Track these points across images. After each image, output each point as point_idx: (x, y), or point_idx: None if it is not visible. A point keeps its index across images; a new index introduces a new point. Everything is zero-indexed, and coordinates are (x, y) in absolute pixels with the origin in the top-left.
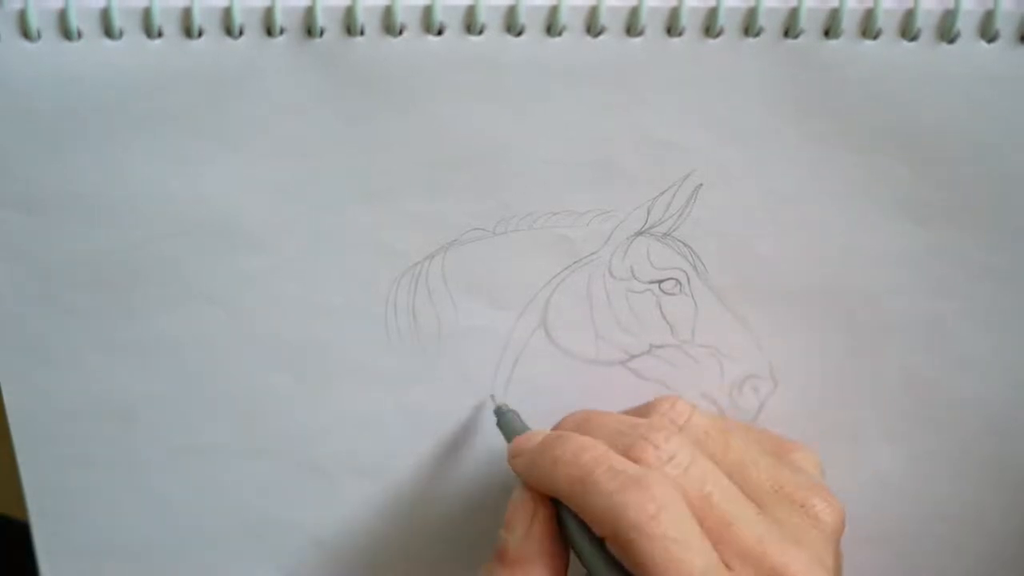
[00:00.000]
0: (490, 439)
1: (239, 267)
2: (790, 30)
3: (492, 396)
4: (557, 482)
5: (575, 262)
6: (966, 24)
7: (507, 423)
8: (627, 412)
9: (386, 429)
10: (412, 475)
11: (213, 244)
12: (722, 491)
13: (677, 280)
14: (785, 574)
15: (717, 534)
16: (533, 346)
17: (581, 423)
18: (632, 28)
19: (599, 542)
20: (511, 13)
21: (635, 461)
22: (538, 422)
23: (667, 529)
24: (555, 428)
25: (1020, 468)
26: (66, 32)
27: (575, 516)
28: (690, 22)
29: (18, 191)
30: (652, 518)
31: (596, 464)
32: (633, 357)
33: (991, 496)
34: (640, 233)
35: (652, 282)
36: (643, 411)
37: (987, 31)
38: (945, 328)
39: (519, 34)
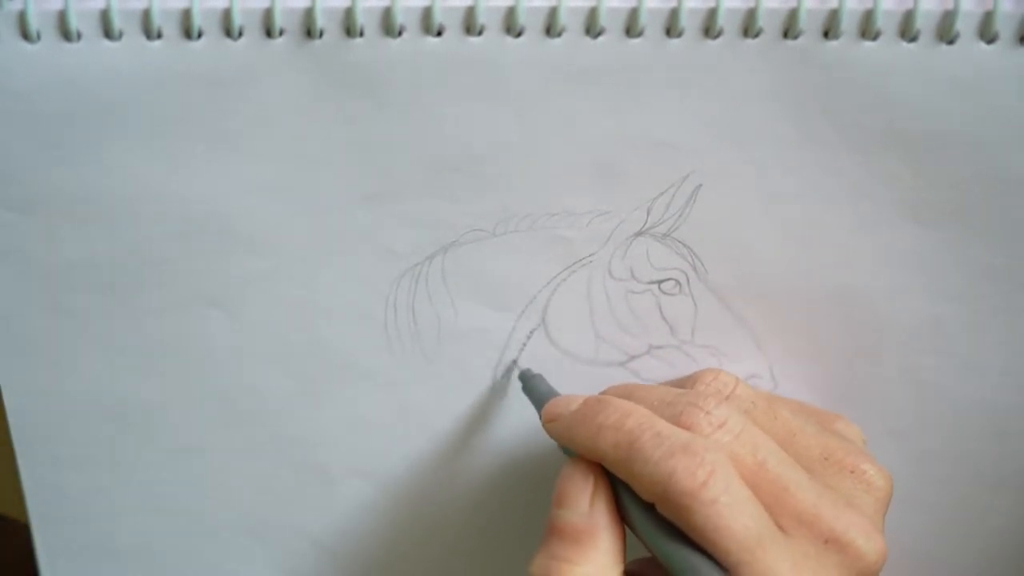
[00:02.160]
0: (490, 440)
1: (239, 268)
2: (789, 31)
3: (515, 361)
4: (601, 448)
5: (575, 263)
6: (965, 25)
7: (534, 387)
8: (668, 384)
9: (385, 430)
10: (411, 476)
11: (213, 245)
12: (775, 456)
13: (677, 280)
14: (844, 536)
15: (772, 499)
16: (533, 347)
17: (623, 394)
18: (631, 29)
19: (649, 507)
20: (510, 14)
21: (686, 428)
22: (538, 425)
23: (718, 494)
24: (569, 395)
25: (1020, 469)
26: (66, 33)
27: (623, 484)
28: (689, 23)
29: (18, 192)
30: (702, 484)
31: (641, 430)
32: (633, 358)
33: (991, 497)
34: (640, 234)
35: (652, 282)
36: (685, 383)
37: (986, 32)
38: (945, 329)
39: (518, 35)
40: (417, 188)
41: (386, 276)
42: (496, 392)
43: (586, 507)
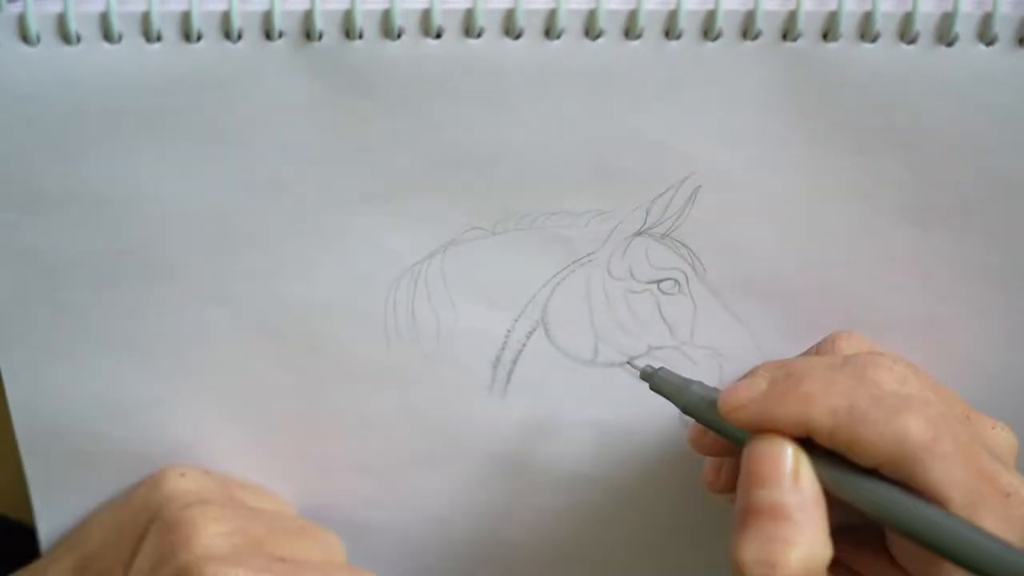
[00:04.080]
0: (489, 440)
1: (239, 268)
2: (788, 33)
3: (629, 362)
4: (816, 418)
5: (574, 262)
6: (964, 27)
7: (664, 381)
8: (806, 353)
9: (385, 429)
10: (411, 476)
11: (213, 246)
12: (951, 412)
13: (676, 280)
14: (1017, 494)
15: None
16: (532, 347)
17: (774, 367)
18: (630, 31)
19: (865, 472)
20: (509, 16)
21: (873, 384)
22: (537, 424)
23: (948, 447)
24: (747, 379)
25: (1019, 469)
26: (65, 36)
27: (823, 455)
28: (688, 25)
29: (19, 193)
30: (935, 438)
31: (856, 394)
32: (632, 358)
33: None
34: (639, 233)
35: (651, 282)
36: (822, 347)
37: (985, 34)
38: (944, 329)
39: (517, 37)
40: (416, 188)
41: (386, 276)
42: (495, 391)
43: (791, 483)
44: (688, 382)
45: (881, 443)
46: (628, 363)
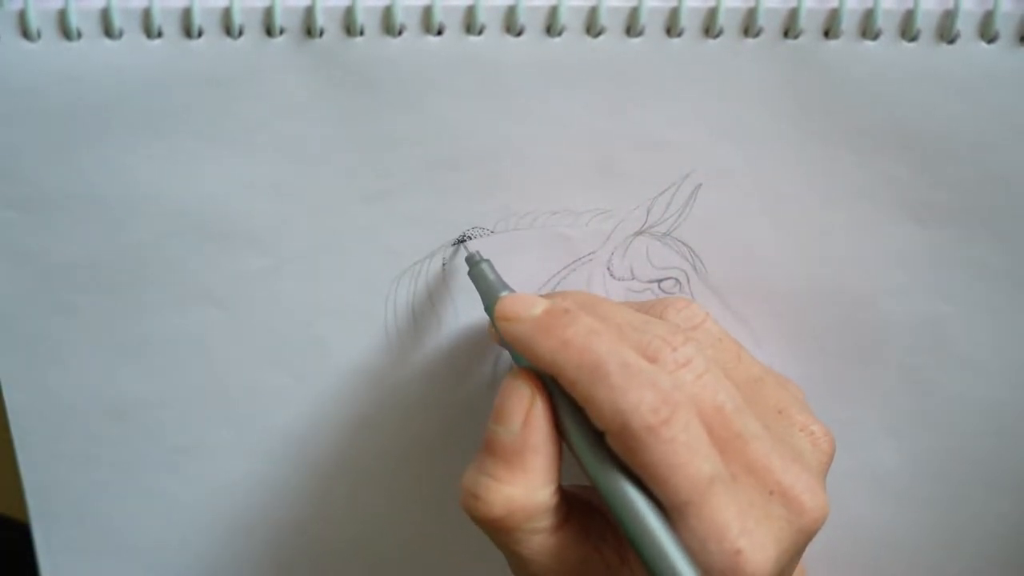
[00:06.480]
0: None
1: (239, 267)
2: (790, 30)
3: (460, 239)
4: (562, 364)
5: (575, 261)
6: (966, 24)
7: (482, 273)
8: (636, 306)
9: (385, 429)
10: (411, 475)
11: (213, 244)
12: (733, 402)
13: (677, 280)
14: (791, 490)
15: (726, 444)
16: None
17: (586, 305)
18: (632, 28)
19: (596, 434)
20: (511, 13)
21: (650, 360)
22: None
23: (677, 433)
24: (533, 297)
25: (1020, 468)
26: (66, 32)
27: (570, 404)
28: (690, 22)
29: (18, 191)
30: (664, 421)
31: (609, 354)
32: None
33: (991, 496)
34: (640, 232)
35: (652, 282)
36: (653, 307)
37: (987, 32)
38: (945, 328)
39: (519, 34)
40: (417, 187)
41: (386, 275)
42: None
43: (519, 426)
44: (504, 287)
45: (611, 411)
46: (460, 240)
